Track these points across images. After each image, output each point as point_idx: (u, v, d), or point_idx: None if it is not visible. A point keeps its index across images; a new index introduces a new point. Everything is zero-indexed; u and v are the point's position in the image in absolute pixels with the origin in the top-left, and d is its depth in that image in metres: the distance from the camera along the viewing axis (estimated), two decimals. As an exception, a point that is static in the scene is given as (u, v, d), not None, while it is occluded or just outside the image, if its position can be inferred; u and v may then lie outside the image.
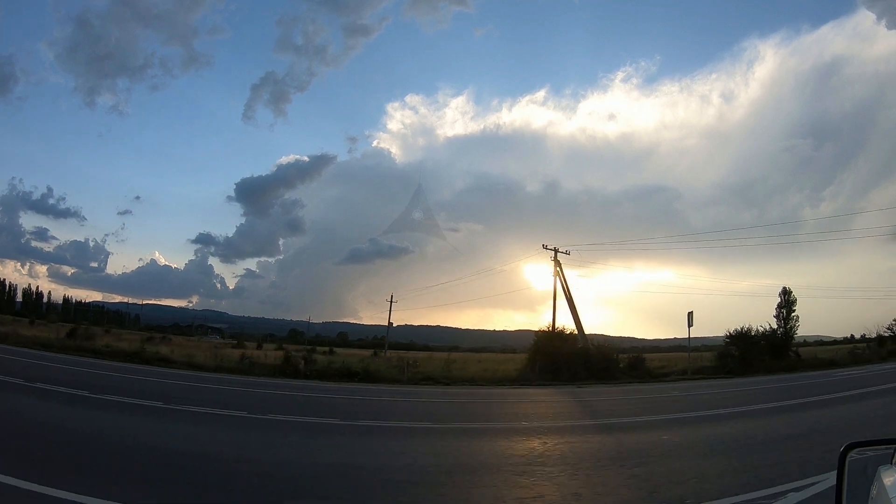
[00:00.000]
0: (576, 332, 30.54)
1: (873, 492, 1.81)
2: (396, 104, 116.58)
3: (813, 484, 5.29)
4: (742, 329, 33.09)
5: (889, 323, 38.40)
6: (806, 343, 48.44)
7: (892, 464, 1.93)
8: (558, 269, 32.02)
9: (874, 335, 39.05)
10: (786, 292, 39.12)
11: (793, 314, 38.49)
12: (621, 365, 27.67)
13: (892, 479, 1.75)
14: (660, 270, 75.66)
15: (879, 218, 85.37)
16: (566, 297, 31.80)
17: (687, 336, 27.91)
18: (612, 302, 60.13)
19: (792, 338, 36.78)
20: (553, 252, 32.29)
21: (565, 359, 26.02)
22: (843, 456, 1.88)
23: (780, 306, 39.52)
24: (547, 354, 26.69)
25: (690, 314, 27.84)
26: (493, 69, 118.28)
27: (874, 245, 77.75)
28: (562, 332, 29.99)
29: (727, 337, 33.35)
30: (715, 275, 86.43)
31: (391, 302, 47.00)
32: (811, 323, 74.11)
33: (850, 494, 1.81)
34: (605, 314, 69.48)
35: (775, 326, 36.53)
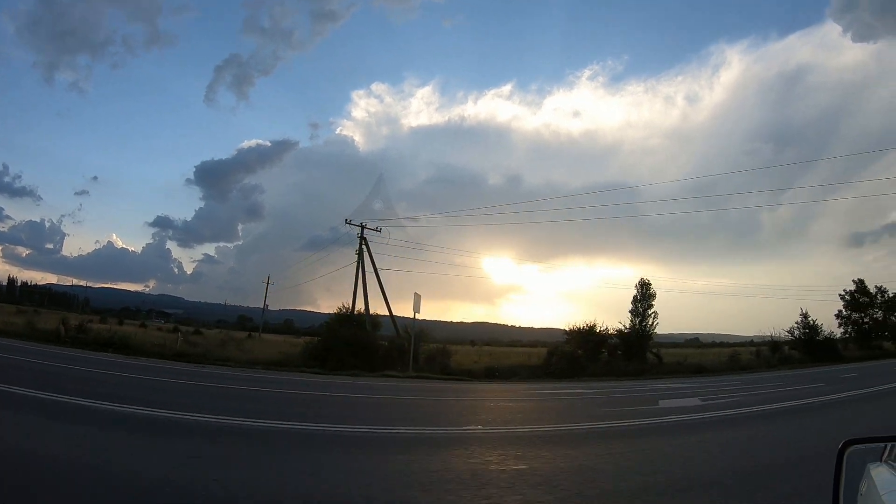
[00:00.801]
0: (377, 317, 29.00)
1: (863, 488, 1.83)
2: (362, 92, 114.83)
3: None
4: (585, 326, 29.74)
5: (790, 325, 36.85)
6: (714, 343, 48.89)
7: (881, 461, 1.97)
8: (365, 246, 29.56)
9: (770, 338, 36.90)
10: (643, 284, 33.96)
11: (650, 310, 33.14)
12: (423, 356, 25.18)
13: (880, 475, 1.78)
14: (620, 266, 78.34)
15: (836, 224, 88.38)
16: (377, 280, 29.72)
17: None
18: (571, 297, 62.06)
19: (650, 336, 32.82)
20: (360, 228, 29.66)
21: (342, 344, 24.42)
22: (841, 452, 1.87)
23: (635, 300, 33.46)
24: (331, 339, 25.46)
25: (417, 297, 24.49)
26: (461, 61, 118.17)
27: (831, 250, 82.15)
28: (351, 316, 28.01)
29: (565, 334, 30.26)
30: (673, 273, 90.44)
31: (267, 284, 46.66)
32: (760, 324, 77.74)
33: (846, 492, 1.81)
34: (563, 309, 69.92)
35: (630, 324, 32.66)
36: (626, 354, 29.92)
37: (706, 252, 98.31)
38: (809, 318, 36.90)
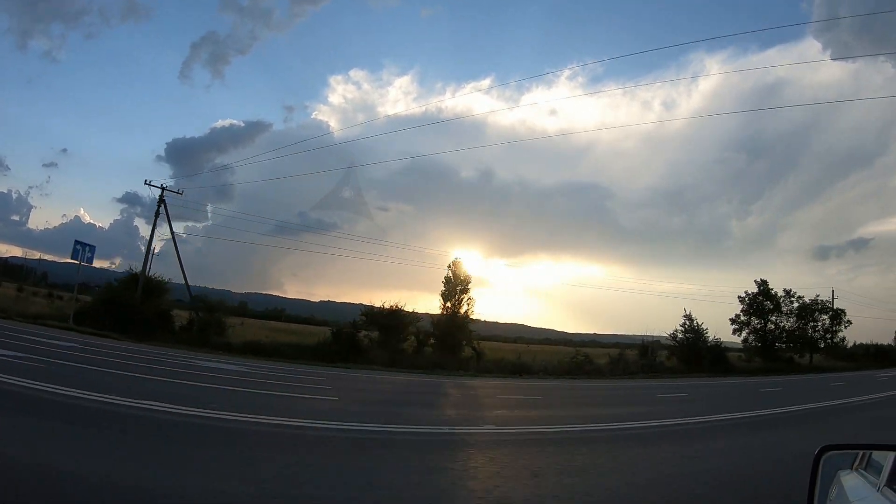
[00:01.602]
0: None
1: (832, 494, 1.87)
2: (339, 77, 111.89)
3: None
4: (389, 307, 26.70)
5: (673, 330, 33.13)
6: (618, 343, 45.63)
7: (851, 469, 1.99)
8: (164, 207, 27.94)
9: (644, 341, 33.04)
10: (455, 264, 29.47)
11: (466, 296, 28.77)
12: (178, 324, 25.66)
13: (850, 482, 1.89)
14: (587, 266, 77.86)
15: (803, 237, 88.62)
16: (174, 247, 28.74)
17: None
18: (537, 293, 60.83)
19: (466, 325, 28.67)
20: (160, 190, 28.08)
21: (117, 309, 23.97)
22: (817, 458, 1.90)
23: (447, 281, 28.85)
24: (111, 304, 24.70)
25: None
26: (441, 52, 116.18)
27: (796, 261, 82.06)
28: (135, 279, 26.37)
29: (362, 315, 27.33)
30: (640, 275, 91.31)
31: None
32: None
33: (820, 497, 1.83)
34: (528, 305, 70.38)
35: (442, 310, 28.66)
36: (440, 344, 26.67)
37: (673, 256, 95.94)
38: (695, 321, 33.10)
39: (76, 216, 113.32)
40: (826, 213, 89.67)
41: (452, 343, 27.11)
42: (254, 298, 71.11)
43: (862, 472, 1.92)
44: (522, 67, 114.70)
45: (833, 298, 41.19)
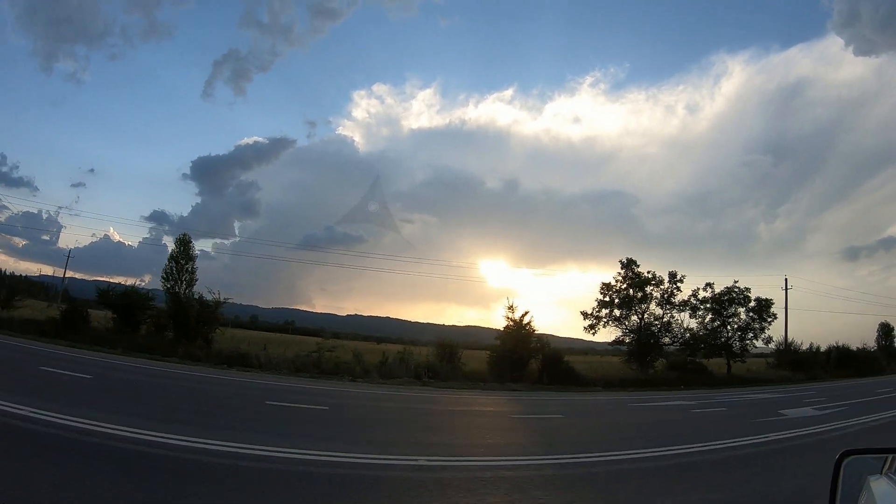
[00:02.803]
0: None
1: (862, 500, 1.83)
2: (363, 92, 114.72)
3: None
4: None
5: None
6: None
7: (881, 473, 1.95)
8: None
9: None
10: (182, 242, 26.79)
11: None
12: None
13: (880, 488, 1.78)
14: (614, 274, 74.51)
15: (832, 238, 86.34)
16: None
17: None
18: (566, 303, 60.11)
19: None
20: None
21: None
22: (838, 463, 1.91)
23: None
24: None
25: None
26: (462, 64, 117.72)
27: (826, 263, 79.99)
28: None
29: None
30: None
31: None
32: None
33: (842, 502, 1.83)
34: (555, 314, 70.29)
35: None
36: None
37: (700, 262, 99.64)
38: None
39: (105, 235, 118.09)
40: (854, 214, 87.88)
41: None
42: (281, 313, 71.88)
43: (892, 476, 1.88)
44: (544, 76, 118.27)
45: (787, 289, 36.18)
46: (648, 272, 29.97)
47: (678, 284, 30.11)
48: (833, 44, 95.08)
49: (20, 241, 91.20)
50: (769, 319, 30.84)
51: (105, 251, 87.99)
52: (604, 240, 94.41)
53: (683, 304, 30.30)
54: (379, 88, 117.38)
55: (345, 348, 24.44)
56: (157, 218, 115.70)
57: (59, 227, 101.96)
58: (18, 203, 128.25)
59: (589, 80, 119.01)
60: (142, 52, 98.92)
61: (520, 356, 23.01)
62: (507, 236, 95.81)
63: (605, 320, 29.84)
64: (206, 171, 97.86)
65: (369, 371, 20.21)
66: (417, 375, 20.42)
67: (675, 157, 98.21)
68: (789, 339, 33.44)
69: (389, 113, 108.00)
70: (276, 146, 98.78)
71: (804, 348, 33.71)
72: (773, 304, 31.22)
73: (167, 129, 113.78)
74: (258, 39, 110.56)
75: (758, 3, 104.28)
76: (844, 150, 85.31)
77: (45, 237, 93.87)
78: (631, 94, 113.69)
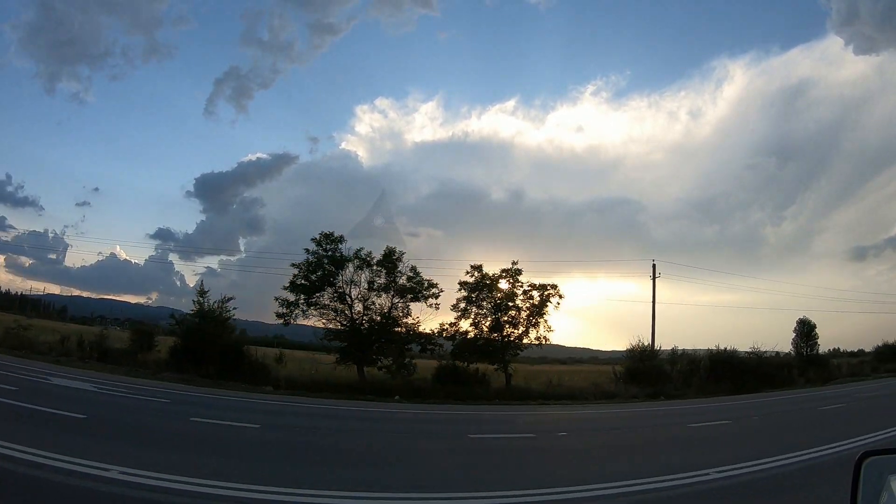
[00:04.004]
0: None
1: (883, 500, 1.82)
2: (365, 106, 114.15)
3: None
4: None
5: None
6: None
7: None
8: None
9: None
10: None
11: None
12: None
13: None
14: (622, 282, 77.32)
15: (839, 239, 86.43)
16: None
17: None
18: (574, 312, 62.57)
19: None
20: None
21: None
22: (858, 464, 1.87)
23: None
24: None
25: None
26: (464, 76, 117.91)
27: (834, 264, 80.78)
28: None
29: None
30: (675, 288, 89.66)
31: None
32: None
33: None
34: (565, 324, 68.30)
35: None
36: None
37: (709, 267, 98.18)
38: None
39: (112, 253, 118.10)
40: (861, 213, 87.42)
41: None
42: (288, 329, 73.13)
43: None
44: (546, 86, 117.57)
45: (654, 277, 31.35)
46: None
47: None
48: (833, 43, 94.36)
49: (27, 261, 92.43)
50: (544, 316, 25.42)
51: (111, 269, 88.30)
52: (611, 248, 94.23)
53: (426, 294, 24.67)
54: (381, 102, 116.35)
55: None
56: (163, 235, 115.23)
57: (66, 246, 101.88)
58: (24, 222, 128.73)
59: (591, 88, 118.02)
60: (143, 72, 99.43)
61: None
62: (513, 247, 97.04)
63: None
64: (210, 189, 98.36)
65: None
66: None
67: (680, 163, 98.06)
68: (688, 346, 29.72)
69: (392, 127, 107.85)
70: (278, 162, 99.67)
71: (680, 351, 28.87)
72: (555, 295, 25.54)
73: (170, 147, 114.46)
74: (259, 57, 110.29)
75: (757, 7, 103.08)
76: (849, 149, 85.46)
77: (52, 256, 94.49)
78: (633, 101, 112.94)
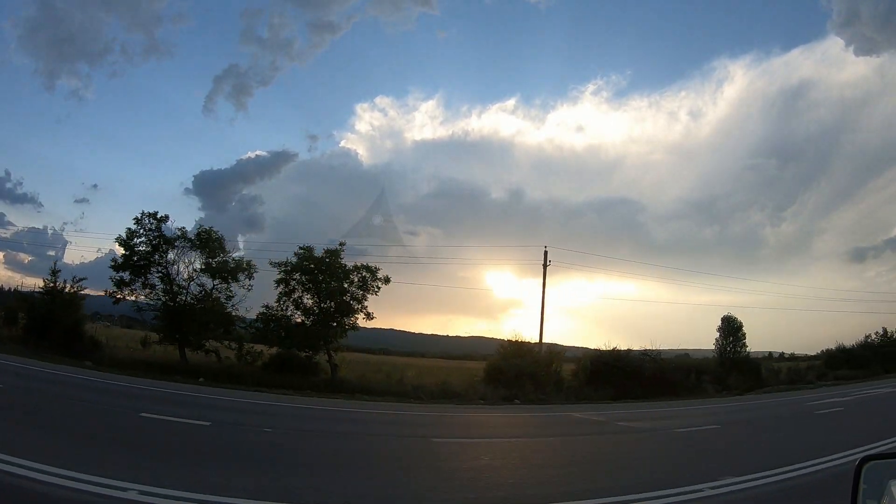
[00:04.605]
0: None
1: None
2: (366, 105, 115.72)
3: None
4: None
5: None
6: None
7: None
8: None
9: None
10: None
11: None
12: None
13: None
14: (621, 282, 77.26)
15: (839, 240, 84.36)
16: None
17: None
18: (572, 312, 60.85)
19: None
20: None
21: None
22: (858, 469, 1.94)
23: None
24: None
25: None
26: (464, 75, 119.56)
27: (834, 265, 78.98)
28: None
29: None
30: (674, 288, 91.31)
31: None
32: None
33: None
34: (560, 324, 67.83)
35: None
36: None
37: (708, 267, 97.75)
38: None
39: (111, 250, 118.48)
40: (860, 215, 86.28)
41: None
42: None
43: None
44: (546, 85, 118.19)
45: (545, 264, 26.15)
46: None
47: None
48: (834, 44, 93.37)
49: (26, 257, 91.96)
50: (365, 302, 22.64)
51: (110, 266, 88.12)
52: (610, 248, 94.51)
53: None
54: (381, 101, 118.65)
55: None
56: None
57: (65, 243, 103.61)
58: (23, 219, 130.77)
59: (591, 88, 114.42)
60: (143, 70, 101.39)
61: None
62: (513, 246, 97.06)
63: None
64: (209, 186, 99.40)
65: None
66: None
67: (680, 164, 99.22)
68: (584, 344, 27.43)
69: (393, 125, 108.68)
70: (277, 160, 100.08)
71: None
72: (376, 279, 22.72)
73: (169, 145, 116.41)
74: (258, 55, 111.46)
75: (758, 7, 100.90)
76: (849, 150, 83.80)
77: (51, 253, 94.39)
78: (633, 101, 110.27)
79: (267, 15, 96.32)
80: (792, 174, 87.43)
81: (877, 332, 35.96)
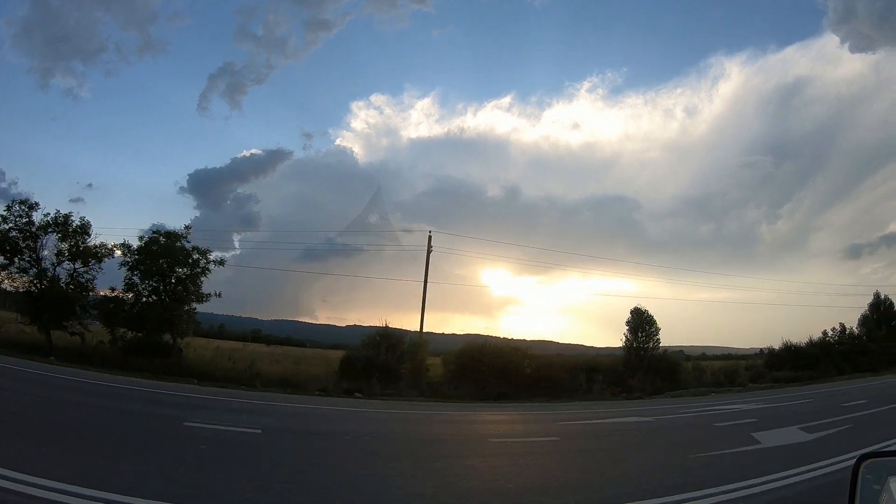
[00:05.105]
0: None
1: (882, 502, 1.87)
2: (361, 103, 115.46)
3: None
4: None
5: None
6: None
7: None
8: None
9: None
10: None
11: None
12: None
13: None
14: (617, 279, 77.73)
15: (835, 237, 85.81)
16: None
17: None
18: (568, 309, 60.89)
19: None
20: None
21: None
22: (856, 467, 1.95)
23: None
24: None
25: None
26: (459, 73, 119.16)
27: (830, 263, 79.14)
28: None
29: None
30: (670, 286, 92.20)
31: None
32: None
33: None
34: (557, 321, 68.78)
35: None
36: None
37: (703, 265, 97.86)
38: None
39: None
40: (857, 212, 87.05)
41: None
42: (282, 325, 74.23)
43: None
44: (542, 83, 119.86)
45: (429, 249, 24.87)
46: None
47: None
48: (829, 42, 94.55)
49: None
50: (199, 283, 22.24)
51: (107, 265, 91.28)
52: (606, 246, 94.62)
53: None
54: (377, 99, 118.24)
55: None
56: (157, 232, 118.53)
57: None
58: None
59: (587, 85, 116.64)
60: (137, 68, 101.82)
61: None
62: (509, 244, 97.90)
63: None
64: (204, 185, 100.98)
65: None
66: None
67: (676, 161, 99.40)
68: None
69: (388, 123, 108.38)
70: (272, 158, 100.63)
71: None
72: (209, 262, 22.51)
73: (164, 143, 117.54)
74: (253, 53, 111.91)
75: (754, 4, 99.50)
76: (845, 147, 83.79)
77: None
78: (629, 98, 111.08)
79: (262, 13, 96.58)
80: (788, 171, 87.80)
81: (833, 329, 32.85)
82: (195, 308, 22.24)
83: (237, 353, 24.14)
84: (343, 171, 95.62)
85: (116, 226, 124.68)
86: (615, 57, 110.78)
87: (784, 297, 77.79)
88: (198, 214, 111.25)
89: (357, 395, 19.21)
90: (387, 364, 20.47)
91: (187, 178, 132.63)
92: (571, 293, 76.64)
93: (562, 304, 70.65)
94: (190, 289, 21.76)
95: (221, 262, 22.82)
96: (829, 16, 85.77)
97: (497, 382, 20.61)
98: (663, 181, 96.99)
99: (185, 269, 21.85)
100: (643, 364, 24.75)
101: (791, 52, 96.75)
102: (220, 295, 22.63)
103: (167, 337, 21.60)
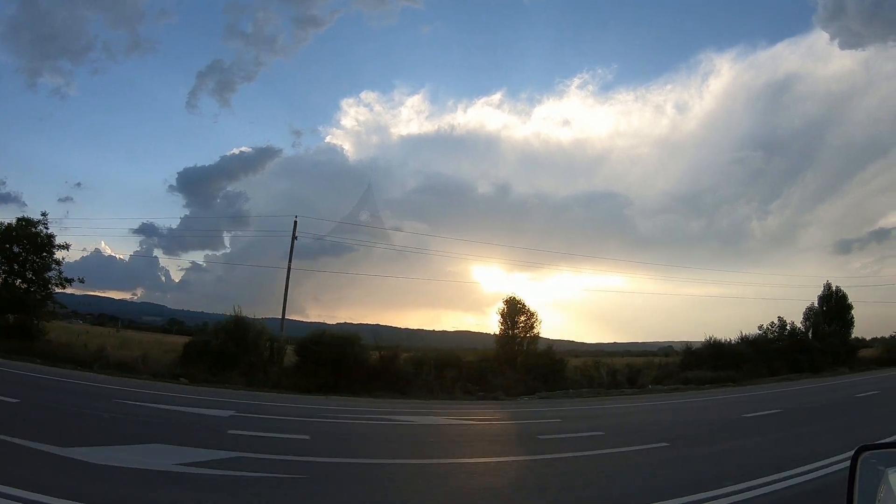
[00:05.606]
0: None
1: (880, 494, 1.85)
2: (351, 100, 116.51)
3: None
4: None
5: None
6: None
7: None
8: None
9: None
10: None
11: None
12: None
13: None
14: (608, 275, 76.52)
15: (824, 232, 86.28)
16: None
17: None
18: (559, 305, 62.13)
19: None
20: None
21: None
22: (855, 458, 1.94)
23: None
24: None
25: None
26: (449, 69, 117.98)
27: (820, 258, 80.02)
28: None
29: None
30: (661, 282, 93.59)
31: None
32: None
33: (860, 497, 1.86)
34: (549, 317, 71.18)
35: None
36: None
37: (694, 261, 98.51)
38: None
39: (97, 248, 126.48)
40: (846, 207, 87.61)
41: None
42: (272, 324, 78.33)
43: None
44: (532, 79, 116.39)
45: (294, 237, 24.95)
46: None
47: None
48: (819, 38, 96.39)
49: None
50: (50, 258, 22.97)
51: (97, 265, 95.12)
52: (597, 242, 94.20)
53: None
54: (367, 96, 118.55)
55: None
56: (146, 230, 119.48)
57: None
58: (7, 219, 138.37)
59: (577, 81, 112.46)
60: (125, 67, 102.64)
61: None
62: (500, 241, 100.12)
63: None
64: (193, 183, 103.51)
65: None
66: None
67: (666, 157, 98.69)
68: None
69: (378, 120, 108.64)
70: (262, 156, 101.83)
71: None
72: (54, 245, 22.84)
73: (153, 141, 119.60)
74: (242, 50, 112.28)
75: (744, 1, 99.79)
76: (835, 143, 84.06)
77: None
78: (619, 94, 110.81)
79: (251, 10, 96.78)
80: (778, 167, 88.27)
81: (772, 323, 29.61)
82: (53, 291, 23.27)
83: (102, 339, 25.29)
84: (333, 168, 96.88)
85: (106, 225, 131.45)
86: (605, 53, 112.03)
87: (774, 290, 76.56)
88: (187, 213, 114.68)
89: (182, 379, 19.67)
90: (222, 350, 20.71)
91: (176, 176, 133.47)
92: (563, 289, 76.24)
93: (554, 301, 70.63)
94: (42, 274, 22.68)
95: (66, 247, 23.47)
96: (818, 12, 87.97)
97: (327, 373, 20.30)
98: (654, 177, 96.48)
99: (37, 256, 22.78)
100: (517, 360, 23.44)
101: (781, 48, 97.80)
102: (82, 280, 23.69)
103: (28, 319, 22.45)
